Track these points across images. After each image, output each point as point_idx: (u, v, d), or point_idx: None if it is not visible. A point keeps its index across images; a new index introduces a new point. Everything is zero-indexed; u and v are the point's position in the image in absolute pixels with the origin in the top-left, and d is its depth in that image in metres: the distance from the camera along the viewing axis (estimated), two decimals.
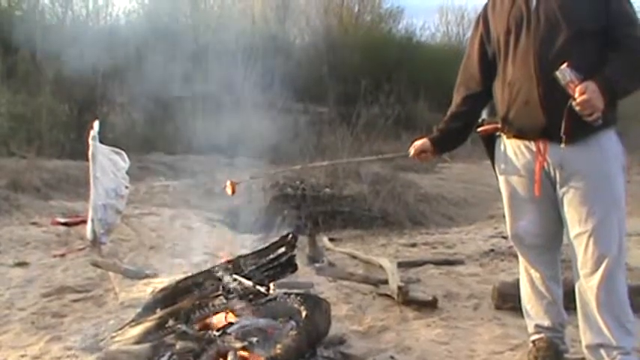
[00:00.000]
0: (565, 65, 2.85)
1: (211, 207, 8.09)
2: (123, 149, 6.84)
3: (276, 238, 4.00)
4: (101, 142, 6.45)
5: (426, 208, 9.44)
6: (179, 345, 3.37)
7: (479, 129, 3.45)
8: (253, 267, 3.77)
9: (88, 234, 6.40)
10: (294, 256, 3.83)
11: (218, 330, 3.41)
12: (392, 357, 3.70)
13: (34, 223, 7.78)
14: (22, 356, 3.71)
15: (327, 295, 4.75)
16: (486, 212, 9.49)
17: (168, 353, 3.31)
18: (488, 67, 3.33)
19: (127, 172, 6.72)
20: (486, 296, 4.78)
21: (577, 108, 2.84)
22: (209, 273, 3.85)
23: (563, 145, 2.96)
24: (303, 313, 3.40)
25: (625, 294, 3.06)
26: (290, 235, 3.88)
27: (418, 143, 3.58)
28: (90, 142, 6.30)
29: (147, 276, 5.32)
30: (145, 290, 4.77)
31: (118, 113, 12.71)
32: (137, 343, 3.50)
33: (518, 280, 3.57)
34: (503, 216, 3.47)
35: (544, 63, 2.99)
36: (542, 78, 3.00)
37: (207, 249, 6.21)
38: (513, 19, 3.13)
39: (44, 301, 4.82)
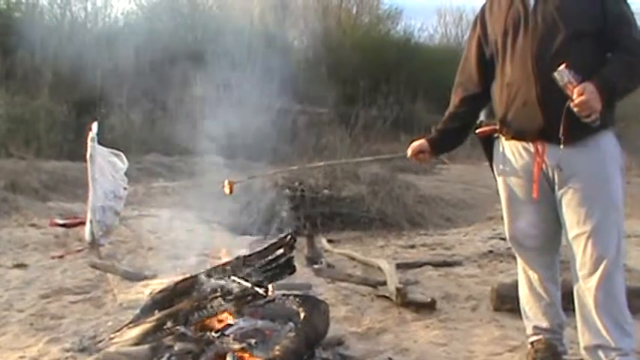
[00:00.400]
0: (563, 66, 2.85)
1: (210, 208, 8.07)
2: (121, 150, 6.85)
3: (275, 240, 3.99)
4: (100, 143, 6.45)
5: (425, 210, 9.44)
6: (178, 346, 3.37)
7: (477, 130, 3.45)
8: (252, 268, 3.76)
9: (87, 235, 6.40)
10: (293, 257, 3.83)
11: (216, 331, 3.42)
12: (390, 358, 3.70)
13: (32, 225, 7.79)
14: (21, 357, 3.72)
15: (326, 296, 4.75)
16: (485, 214, 9.49)
17: (167, 355, 3.32)
18: (486, 68, 3.33)
19: (126, 174, 6.72)
20: (485, 298, 4.78)
21: (575, 109, 2.85)
22: (207, 274, 3.84)
23: (561, 147, 2.96)
24: (302, 315, 3.41)
25: (623, 295, 3.06)
26: (288, 237, 3.87)
27: (416, 144, 3.58)
28: (88, 143, 6.30)
29: (145, 277, 5.32)
30: (144, 292, 4.77)
31: (117, 114, 12.69)
32: (136, 344, 3.49)
33: (516, 282, 3.57)
34: (502, 217, 3.47)
35: (542, 64, 2.99)
36: (540, 79, 3.00)
37: (206, 250, 6.20)
38: (511, 20, 3.13)
39: (43, 302, 4.82)
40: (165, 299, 3.82)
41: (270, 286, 3.72)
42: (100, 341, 3.82)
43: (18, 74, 13.49)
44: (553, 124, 2.96)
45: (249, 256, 3.93)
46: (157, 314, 3.67)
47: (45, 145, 12.14)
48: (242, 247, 6.46)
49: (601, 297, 3.01)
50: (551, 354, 3.36)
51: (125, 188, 6.69)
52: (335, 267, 5.98)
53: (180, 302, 3.68)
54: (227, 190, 4.20)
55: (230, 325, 3.46)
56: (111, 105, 12.85)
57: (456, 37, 23.66)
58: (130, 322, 3.81)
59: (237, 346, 3.20)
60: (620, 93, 3.01)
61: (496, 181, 3.42)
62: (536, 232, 3.30)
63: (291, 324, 3.39)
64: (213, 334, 3.40)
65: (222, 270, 3.83)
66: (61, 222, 7.80)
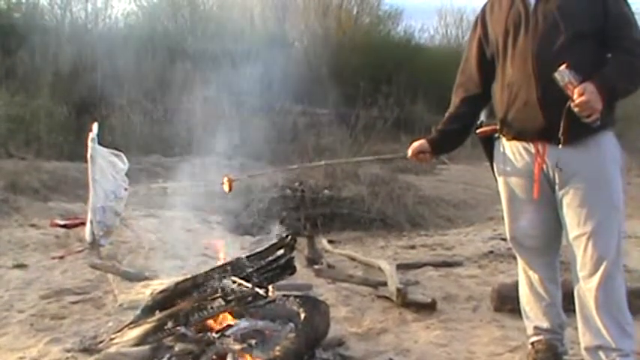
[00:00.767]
0: (564, 66, 2.85)
1: (210, 209, 8.08)
2: (122, 151, 6.84)
3: (275, 240, 3.99)
4: (100, 144, 6.45)
5: (425, 210, 9.43)
6: (178, 347, 3.38)
7: (477, 130, 3.45)
8: (252, 269, 3.77)
9: (87, 236, 6.40)
10: (293, 258, 3.83)
11: (217, 332, 3.42)
12: (391, 359, 3.70)
13: (32, 225, 7.79)
14: (21, 358, 3.72)
15: (326, 297, 4.75)
16: (485, 214, 9.49)
17: (167, 355, 3.32)
18: (487, 68, 3.33)
19: (126, 174, 6.72)
20: (485, 298, 4.78)
21: (575, 109, 2.85)
22: (208, 275, 3.84)
23: (561, 146, 2.96)
24: (302, 315, 3.41)
25: (624, 296, 3.06)
26: (289, 237, 3.87)
27: (416, 144, 3.58)
28: (89, 144, 6.30)
29: (146, 278, 5.32)
30: (144, 292, 4.76)
31: (117, 115, 12.69)
32: (136, 345, 3.50)
33: (517, 282, 3.57)
34: (502, 218, 3.47)
35: (542, 64, 2.99)
36: (540, 79, 3.00)
37: (206, 251, 6.20)
38: (512, 21, 3.13)
39: (43, 303, 4.82)
40: (165, 300, 3.82)
41: (270, 287, 3.72)
42: (101, 342, 3.82)
43: (18, 74, 13.50)
44: (554, 124, 2.96)
45: (250, 256, 3.93)
46: (158, 315, 3.67)
47: (45, 146, 12.14)
48: (242, 247, 6.48)
49: (601, 297, 3.01)
50: (552, 354, 3.36)
51: (126, 189, 6.68)
52: (335, 267, 5.98)
53: (180, 303, 3.68)
54: (226, 188, 4.20)
55: (230, 326, 3.46)
56: (111, 105, 12.85)
57: (457, 38, 23.61)
58: (131, 323, 3.81)
59: (237, 346, 3.20)
60: (621, 93, 3.01)
61: (496, 181, 3.42)
62: (537, 233, 3.30)
63: (291, 324, 3.39)
64: (213, 334, 3.41)
65: (222, 270, 3.83)
66: (62, 222, 7.80)
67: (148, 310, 3.82)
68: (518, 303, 3.53)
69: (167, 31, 16.07)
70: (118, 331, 3.82)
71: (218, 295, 3.59)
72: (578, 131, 2.93)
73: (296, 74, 13.27)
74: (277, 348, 3.15)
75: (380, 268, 5.51)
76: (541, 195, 3.15)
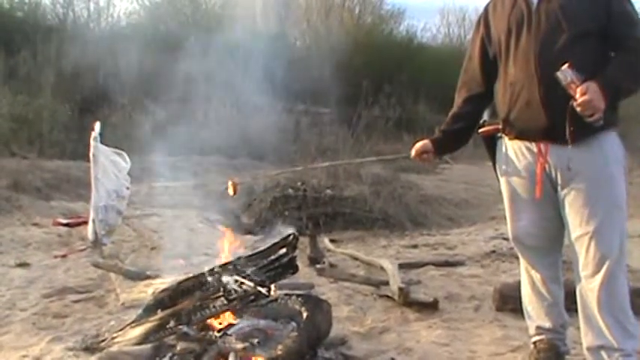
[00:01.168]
0: (566, 66, 2.85)
1: (212, 208, 8.09)
2: (124, 150, 6.85)
3: (277, 239, 3.99)
4: (102, 143, 6.46)
5: (427, 210, 9.43)
6: (180, 346, 3.38)
7: (480, 130, 3.45)
8: (254, 268, 3.77)
9: (90, 235, 6.41)
10: (295, 257, 3.83)
11: (219, 331, 3.42)
12: (393, 358, 3.70)
13: (35, 224, 7.80)
14: (24, 357, 3.72)
15: (328, 296, 4.75)
16: (487, 213, 9.48)
17: (169, 354, 3.33)
18: (490, 68, 3.33)
19: (129, 173, 6.72)
20: (487, 298, 4.78)
21: (578, 109, 2.84)
22: (210, 274, 3.84)
23: (570, 146, 2.95)
24: (304, 315, 3.41)
25: (626, 296, 3.05)
26: (291, 236, 3.87)
27: (419, 144, 3.57)
28: (91, 143, 6.30)
29: (148, 277, 5.32)
30: (146, 291, 4.77)
31: (119, 114, 12.70)
32: (138, 344, 3.50)
33: (519, 282, 3.56)
34: (505, 217, 3.46)
35: (545, 63, 2.98)
36: (543, 78, 2.99)
37: (208, 250, 6.20)
38: (514, 20, 3.13)
39: (45, 301, 4.83)
40: (167, 299, 3.82)
41: (272, 286, 3.72)
42: (103, 340, 3.82)
43: (21, 74, 13.52)
44: (556, 124, 2.95)
45: (252, 255, 3.93)
46: (160, 314, 3.67)
47: (48, 145, 12.16)
48: (244, 246, 6.48)
49: (604, 297, 3.00)
50: (554, 354, 3.35)
51: (128, 188, 6.69)
52: (337, 267, 5.98)
53: (182, 302, 3.68)
54: (231, 191, 4.20)
55: (232, 325, 3.46)
56: (114, 104, 12.87)
57: (459, 37, 23.68)
58: (133, 322, 3.81)
59: (239, 345, 3.21)
60: (624, 93, 3.01)
61: (499, 181, 3.42)
62: (539, 232, 3.29)
63: (293, 324, 3.39)
64: (215, 333, 3.41)
65: (224, 269, 3.83)
66: (64, 221, 7.81)
67: (150, 309, 3.82)
68: (520, 303, 3.53)
69: (169, 30, 16.07)
70: (120, 330, 3.82)
71: (220, 294, 3.60)
72: (581, 131, 2.92)
73: (298, 74, 13.26)
74: (279, 347, 3.15)
75: (382, 268, 5.51)
76: (543, 194, 3.15)
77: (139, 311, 3.93)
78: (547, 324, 3.36)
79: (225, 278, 3.73)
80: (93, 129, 6.39)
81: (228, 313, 3.56)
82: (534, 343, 3.43)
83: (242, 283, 3.64)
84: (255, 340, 3.24)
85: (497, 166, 3.41)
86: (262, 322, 3.47)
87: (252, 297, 3.57)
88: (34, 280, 5.44)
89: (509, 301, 4.41)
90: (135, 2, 17.60)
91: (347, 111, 13.90)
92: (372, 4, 21.76)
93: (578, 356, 3.38)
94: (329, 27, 18.95)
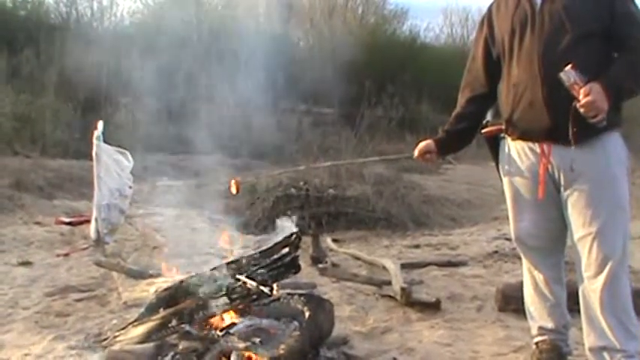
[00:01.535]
0: (569, 67, 2.84)
1: (215, 207, 8.09)
2: (127, 149, 6.85)
3: (280, 239, 3.99)
4: (105, 142, 6.46)
5: (430, 210, 9.42)
6: (182, 345, 3.38)
7: (483, 130, 3.45)
8: (256, 267, 3.77)
9: (92, 234, 6.42)
10: (298, 256, 3.83)
11: (221, 330, 3.42)
12: (395, 358, 3.71)
13: (37, 223, 7.81)
14: (26, 355, 3.73)
15: (331, 295, 4.75)
16: (490, 214, 9.47)
17: (172, 353, 3.33)
18: (493, 68, 3.33)
19: (131, 172, 6.73)
20: (490, 298, 4.78)
21: (581, 109, 2.84)
22: (212, 273, 3.84)
23: (573, 147, 2.95)
24: (307, 314, 3.41)
25: (629, 297, 3.05)
26: (294, 236, 3.87)
27: (422, 144, 3.57)
28: (94, 141, 6.31)
29: (150, 276, 5.32)
30: (149, 290, 4.77)
31: (122, 113, 12.70)
32: (140, 342, 3.50)
33: (521, 282, 3.56)
34: (507, 218, 3.46)
35: (548, 64, 2.98)
36: (546, 79, 2.99)
37: (211, 249, 6.21)
38: (518, 20, 3.12)
39: (48, 300, 4.84)
40: (170, 297, 3.83)
41: (274, 285, 3.73)
42: (105, 339, 3.83)
43: (24, 73, 13.53)
44: (559, 124, 2.95)
45: (255, 254, 3.93)
46: (162, 312, 3.68)
47: (50, 144, 12.17)
48: (247, 246, 6.48)
49: (606, 298, 3.00)
50: (556, 355, 3.35)
51: (130, 187, 6.69)
52: (340, 266, 5.98)
53: (185, 301, 3.68)
54: (234, 190, 4.20)
55: (235, 324, 3.46)
56: (116, 104, 12.87)
57: (462, 37, 23.65)
58: (135, 320, 3.82)
59: (241, 344, 3.21)
60: (627, 93, 3.00)
61: (501, 181, 3.41)
62: (542, 233, 3.29)
63: (295, 323, 3.39)
64: (217, 332, 3.41)
65: (227, 268, 3.84)
66: (67, 220, 7.82)
67: (152, 308, 3.83)
68: (523, 303, 3.53)
69: (172, 29, 16.06)
70: (122, 329, 3.83)
71: (222, 293, 3.60)
72: (584, 132, 2.92)
73: (301, 73, 13.27)
74: (281, 346, 3.15)
75: (384, 268, 5.51)
76: (546, 195, 3.14)
77: (141, 310, 3.94)
78: (549, 324, 3.36)
79: (227, 277, 3.74)
80: (96, 128, 6.40)
81: (230, 312, 3.56)
82: (537, 343, 3.43)
83: (244, 282, 3.65)
84: (258, 340, 3.24)
85: (500, 167, 3.41)
86: (265, 322, 3.47)
87: (255, 296, 3.58)
88: (37, 279, 5.44)
89: (511, 302, 4.40)
90: (138, 1, 17.62)
91: (350, 111, 13.91)
92: (375, 4, 21.76)
93: (581, 357, 3.38)
94: (332, 27, 18.92)
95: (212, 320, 3.55)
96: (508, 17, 3.18)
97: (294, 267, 3.83)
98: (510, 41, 3.16)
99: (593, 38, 2.99)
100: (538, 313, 3.40)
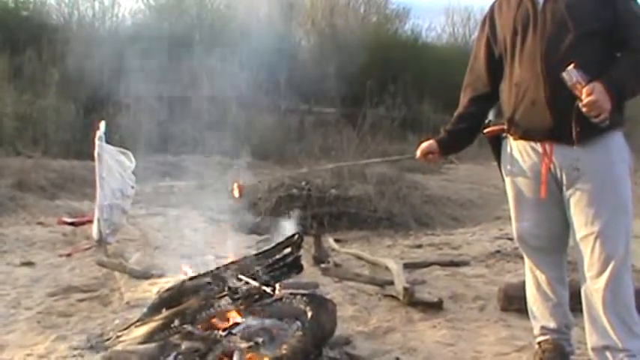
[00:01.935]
0: (572, 66, 2.84)
1: (217, 207, 8.09)
2: (129, 149, 6.86)
3: (282, 239, 4.00)
4: (107, 142, 6.47)
5: (432, 209, 9.41)
6: (185, 345, 3.38)
7: (485, 130, 3.45)
8: (259, 267, 3.77)
9: (94, 234, 6.42)
10: (300, 256, 3.83)
11: (224, 330, 3.42)
12: (397, 358, 3.71)
13: (40, 223, 7.81)
14: (28, 355, 3.73)
15: (333, 295, 4.75)
16: (492, 213, 9.46)
17: (174, 353, 3.32)
18: (495, 68, 3.33)
19: (133, 172, 6.73)
20: (492, 298, 4.78)
21: (584, 109, 2.84)
22: (215, 273, 3.85)
23: (576, 147, 2.95)
24: (309, 314, 3.41)
25: (631, 296, 3.05)
26: (296, 236, 3.88)
27: (425, 145, 3.57)
28: (96, 142, 6.31)
29: (152, 276, 5.33)
30: (151, 290, 4.78)
31: (124, 113, 12.71)
32: (143, 342, 3.51)
33: (524, 282, 3.56)
34: (510, 217, 3.47)
35: (551, 64, 2.98)
36: (548, 79, 2.99)
37: (213, 249, 6.21)
38: (520, 20, 3.12)
39: (50, 300, 4.84)
40: (172, 298, 3.83)
41: (277, 285, 3.73)
42: (107, 339, 3.83)
43: (26, 73, 13.52)
44: (561, 124, 2.95)
45: (257, 255, 3.94)
46: (165, 313, 3.68)
47: (52, 144, 12.16)
48: (249, 246, 6.49)
49: (609, 298, 3.00)
50: (559, 354, 3.35)
51: (133, 187, 6.70)
52: (342, 266, 5.97)
53: (187, 301, 3.69)
54: (237, 194, 4.19)
55: (237, 324, 3.46)
56: (118, 104, 12.87)
57: (464, 37, 23.56)
58: (137, 321, 3.82)
59: (244, 344, 3.21)
60: (629, 93, 3.01)
61: (504, 181, 3.41)
62: (544, 233, 3.29)
63: (298, 323, 3.39)
64: (220, 332, 3.41)
65: (229, 269, 3.84)
66: (69, 220, 7.82)
67: (155, 308, 3.84)
68: (525, 303, 3.53)
69: (174, 29, 16.07)
70: (125, 329, 3.83)
71: (225, 293, 3.60)
72: (587, 131, 2.92)
73: (302, 73, 13.27)
74: (284, 346, 3.15)
75: (387, 267, 5.51)
76: (548, 195, 3.14)
77: (144, 310, 3.95)
78: (552, 324, 3.36)
79: (230, 277, 3.74)
80: (98, 128, 6.41)
81: (233, 313, 3.56)
82: (539, 343, 3.43)
83: (247, 282, 3.65)
84: (260, 340, 3.24)
85: (502, 167, 3.41)
86: (267, 322, 3.47)
87: (257, 296, 3.58)
88: (39, 279, 5.45)
89: (514, 301, 4.41)
90: (140, 2, 17.59)
91: (352, 111, 13.90)
92: (377, 4, 21.70)
93: (583, 356, 3.38)
94: (334, 27, 18.92)
95: (214, 320, 3.56)
96: (510, 16, 3.18)
97: (296, 267, 3.84)
98: (512, 41, 3.16)
99: (595, 38, 2.99)
100: (540, 313, 3.40)
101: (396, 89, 13.84)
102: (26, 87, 12.96)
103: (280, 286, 3.84)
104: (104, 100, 13.02)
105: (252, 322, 3.47)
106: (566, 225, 3.19)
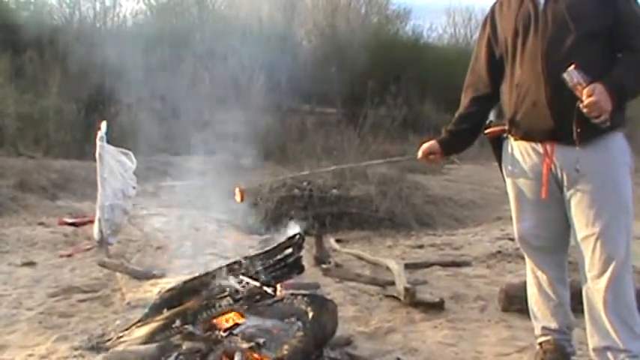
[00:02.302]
0: (572, 67, 2.84)
1: (218, 207, 8.09)
2: (130, 150, 6.86)
3: (283, 239, 4.00)
4: (108, 142, 6.47)
5: (433, 210, 9.41)
6: (186, 345, 3.38)
7: (486, 130, 3.45)
8: (260, 268, 3.77)
9: (96, 234, 6.43)
10: (301, 257, 3.83)
11: (225, 330, 3.42)
12: (398, 358, 3.71)
13: (41, 223, 7.82)
14: (30, 356, 3.73)
15: (334, 296, 4.76)
16: (493, 214, 9.46)
17: (175, 354, 3.32)
18: (496, 68, 3.33)
19: (135, 173, 6.74)
20: (493, 298, 4.78)
21: (585, 110, 2.83)
22: (216, 273, 3.85)
23: (577, 147, 2.95)
24: (310, 314, 3.41)
25: (632, 297, 3.05)
26: (297, 236, 3.87)
27: (426, 145, 3.57)
28: (97, 142, 6.32)
29: (154, 276, 5.33)
30: (152, 290, 4.79)
31: (125, 114, 12.71)
32: (144, 343, 3.51)
33: (525, 282, 3.56)
34: (511, 218, 3.46)
35: (552, 64, 2.98)
36: (549, 80, 2.99)
37: (214, 249, 6.21)
38: (521, 21, 3.12)
39: (51, 300, 4.84)
40: (173, 298, 3.83)
41: (278, 286, 3.73)
42: (109, 340, 3.83)
43: (27, 73, 13.53)
44: (562, 124, 2.95)
45: (258, 255, 3.93)
46: (166, 313, 3.68)
47: (54, 144, 12.18)
48: (250, 246, 6.49)
49: (610, 298, 3.00)
50: (560, 355, 3.35)
51: (134, 187, 6.71)
52: (343, 267, 5.97)
53: (188, 301, 3.69)
54: (238, 198, 4.18)
55: (238, 325, 3.46)
56: (120, 104, 12.87)
57: (465, 37, 23.56)
58: (139, 321, 3.82)
59: (245, 345, 3.21)
60: (630, 94, 3.00)
61: (505, 181, 3.41)
62: (545, 233, 3.29)
63: (299, 323, 3.39)
64: (221, 333, 3.41)
65: (230, 269, 3.84)
66: (70, 220, 7.83)
67: (156, 309, 3.83)
68: (526, 303, 3.53)
69: (175, 29, 16.07)
70: (126, 329, 3.83)
71: (226, 293, 3.60)
72: (588, 132, 2.92)
73: (304, 73, 13.26)
74: (285, 347, 3.15)
75: (388, 268, 5.51)
76: (549, 195, 3.14)
77: (145, 310, 3.95)
78: (553, 324, 3.36)
79: (231, 278, 3.74)
80: (99, 128, 6.41)
81: (234, 313, 3.56)
82: (540, 343, 3.43)
83: (248, 282, 3.65)
84: (261, 340, 3.24)
85: (503, 167, 3.41)
86: (268, 322, 3.47)
87: (258, 297, 3.58)
88: (40, 280, 5.45)
89: (515, 302, 4.41)
90: (141, 2, 17.58)
91: (353, 111, 13.89)
92: (378, 4, 21.69)
93: (584, 357, 3.38)
94: (335, 27, 18.91)
95: (216, 321, 3.55)
96: (511, 17, 3.18)
97: (297, 267, 3.83)
98: (513, 41, 3.16)
99: (596, 38, 2.99)
100: (542, 313, 3.40)
101: (398, 90, 13.82)
102: (27, 87, 12.96)
103: (281, 286, 3.84)
104: (105, 100, 13.02)
105: (253, 322, 3.47)
106: (567, 225, 3.19)
